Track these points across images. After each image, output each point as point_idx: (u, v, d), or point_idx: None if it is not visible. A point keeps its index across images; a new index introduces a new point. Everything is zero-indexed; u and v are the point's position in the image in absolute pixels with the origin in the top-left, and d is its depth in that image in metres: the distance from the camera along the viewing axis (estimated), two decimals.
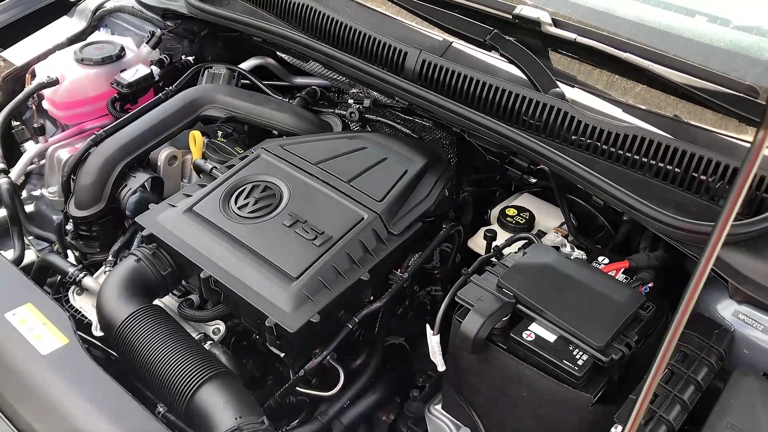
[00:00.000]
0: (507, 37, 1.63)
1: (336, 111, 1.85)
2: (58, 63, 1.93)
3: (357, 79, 1.74)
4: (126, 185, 1.60)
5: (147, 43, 2.01)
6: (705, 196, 1.36)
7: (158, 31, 2.03)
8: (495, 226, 1.60)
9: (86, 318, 1.53)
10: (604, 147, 1.44)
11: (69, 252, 1.72)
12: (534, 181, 1.67)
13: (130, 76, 1.89)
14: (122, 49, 1.96)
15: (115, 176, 1.59)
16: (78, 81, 1.88)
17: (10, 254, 1.67)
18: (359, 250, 1.37)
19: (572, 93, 1.56)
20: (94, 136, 1.66)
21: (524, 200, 1.69)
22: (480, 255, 1.55)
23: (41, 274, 1.65)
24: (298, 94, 1.88)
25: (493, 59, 1.68)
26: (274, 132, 1.72)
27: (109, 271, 1.56)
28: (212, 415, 1.16)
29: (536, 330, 1.22)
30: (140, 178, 1.61)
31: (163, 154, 1.71)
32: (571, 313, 1.20)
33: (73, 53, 1.93)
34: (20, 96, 1.83)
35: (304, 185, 1.48)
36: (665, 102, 1.53)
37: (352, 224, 1.39)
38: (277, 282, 1.30)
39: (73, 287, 1.56)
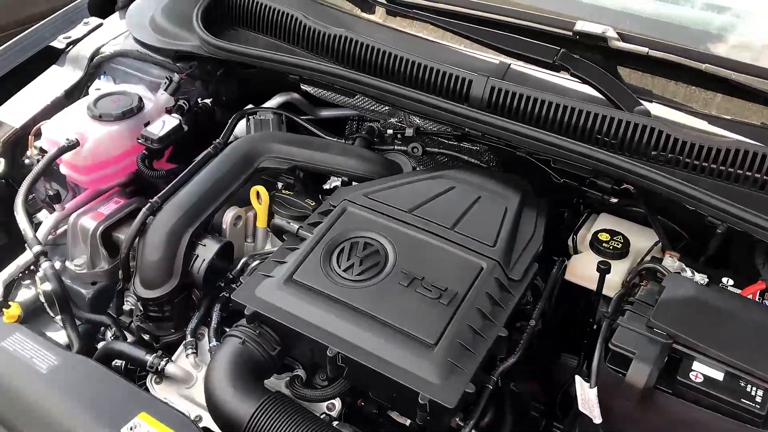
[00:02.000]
0: (575, 56, 1.57)
1: (396, 147, 1.75)
2: (72, 122, 1.73)
3: (416, 111, 1.65)
4: (197, 256, 1.45)
5: (165, 89, 1.84)
6: None
7: (175, 76, 1.86)
8: (588, 254, 1.54)
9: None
10: (705, 164, 1.41)
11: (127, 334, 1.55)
12: (615, 200, 1.62)
13: (158, 129, 1.72)
14: (140, 99, 1.78)
15: (184, 248, 1.44)
16: (101, 140, 1.70)
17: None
18: (488, 303, 1.28)
19: (652, 109, 1.52)
20: (149, 204, 1.49)
21: (604, 222, 1.64)
22: (579, 286, 1.49)
23: (104, 364, 1.47)
24: (357, 135, 1.76)
25: (559, 79, 1.63)
26: (342, 179, 1.60)
27: (192, 353, 1.41)
28: None
29: (701, 369, 1.17)
30: (211, 247, 1.46)
31: (228, 216, 1.56)
32: (734, 347, 1.16)
33: (87, 109, 1.74)
34: (42, 165, 1.63)
35: (406, 237, 1.37)
36: (749, 110, 1.51)
37: (473, 275, 1.30)
38: (416, 351, 1.20)
39: (151, 376, 1.40)
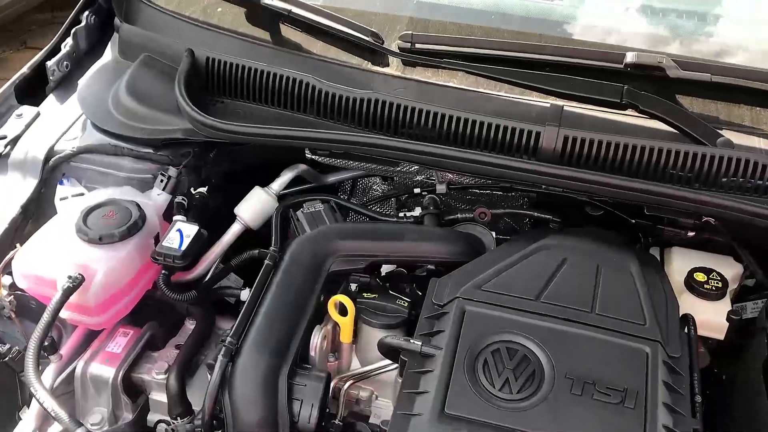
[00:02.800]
0: (642, 92, 1.47)
1: (459, 216, 1.55)
2: (62, 251, 1.39)
3: (473, 172, 1.47)
4: (301, 401, 1.19)
5: (163, 188, 1.53)
6: None
7: (171, 170, 1.55)
8: (688, 296, 1.45)
9: None
10: None
11: None
12: (692, 234, 1.54)
13: (176, 242, 1.41)
14: (139, 207, 1.46)
15: (285, 394, 1.18)
16: (112, 270, 1.37)
17: None
18: (668, 394, 1.14)
19: (728, 137, 1.45)
20: (224, 349, 1.20)
21: (679, 257, 1.56)
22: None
23: None
24: (424, 212, 1.54)
25: (619, 116, 1.52)
26: (429, 266, 1.39)
27: None
28: None
29: None
30: (315, 387, 1.20)
31: (316, 340, 1.30)
32: None
33: (78, 232, 1.40)
34: (48, 319, 1.27)
35: (550, 333, 1.20)
36: None
37: (642, 365, 1.16)
38: None
39: None
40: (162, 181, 1.54)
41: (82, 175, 1.62)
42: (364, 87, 1.56)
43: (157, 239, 1.46)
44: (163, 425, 1.34)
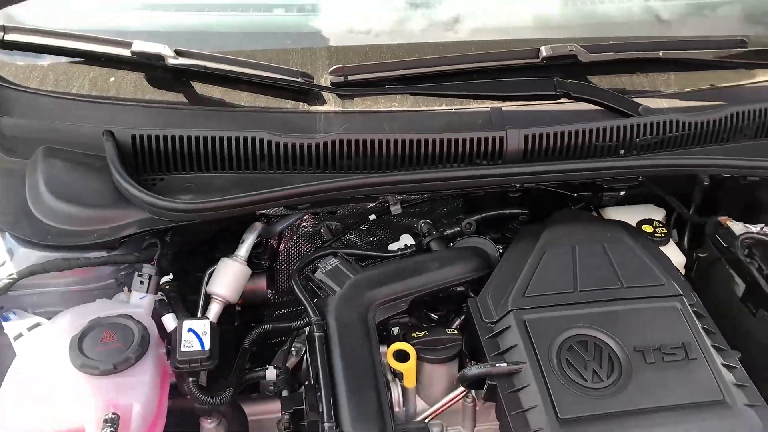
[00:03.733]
0: (568, 81, 1.62)
1: (447, 232, 1.59)
2: (75, 394, 1.20)
3: (448, 188, 1.53)
4: None
5: (147, 291, 1.37)
6: None
7: (149, 268, 1.39)
8: None
9: None
10: (711, 134, 1.62)
11: None
12: (623, 193, 1.75)
13: (196, 344, 1.29)
14: (135, 321, 1.30)
15: None
16: (144, 396, 1.22)
17: None
18: (706, 337, 1.32)
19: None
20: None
21: (614, 214, 1.76)
22: None
23: None
24: (428, 239, 1.54)
25: (551, 106, 1.66)
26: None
27: None
28: None
29: None
30: None
31: (396, 396, 1.27)
32: None
33: (81, 370, 1.21)
34: None
35: (601, 316, 1.32)
36: (698, 79, 1.75)
37: (680, 319, 1.33)
38: (721, 416, 1.20)
39: None
40: (142, 282, 1.37)
41: (26, 303, 1.40)
42: (310, 130, 1.53)
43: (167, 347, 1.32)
44: None
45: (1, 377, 1.25)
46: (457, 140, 1.50)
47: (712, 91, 1.73)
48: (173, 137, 1.46)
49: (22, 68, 1.60)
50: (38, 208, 1.40)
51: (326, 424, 1.16)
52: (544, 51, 1.62)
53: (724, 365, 1.27)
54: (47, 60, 1.61)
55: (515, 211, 1.65)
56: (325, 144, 1.48)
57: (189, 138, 1.46)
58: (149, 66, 1.55)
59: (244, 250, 1.54)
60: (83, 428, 1.18)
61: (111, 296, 1.41)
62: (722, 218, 1.65)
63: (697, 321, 1.33)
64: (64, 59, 1.60)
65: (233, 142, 1.47)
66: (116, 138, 1.46)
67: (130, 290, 1.42)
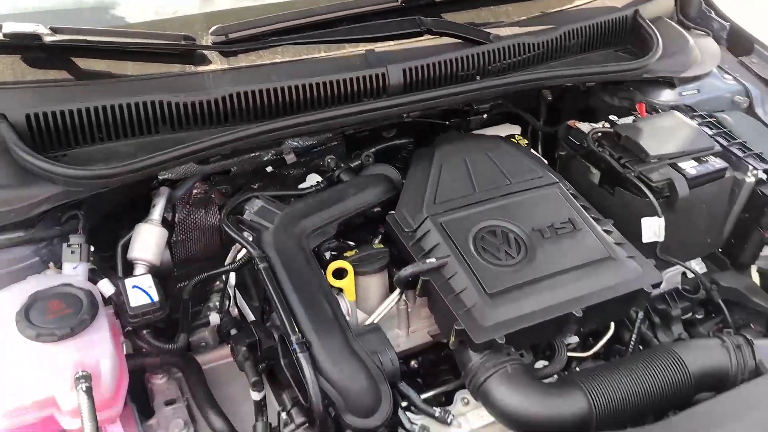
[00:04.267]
0: (427, 18, 1.81)
1: (351, 166, 1.71)
2: (37, 365, 1.21)
3: (340, 125, 1.67)
4: (375, 352, 1.32)
5: (79, 259, 1.39)
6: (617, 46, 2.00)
7: (77, 238, 1.40)
8: None
9: None
10: (554, 51, 1.89)
11: None
12: (486, 115, 1.99)
13: (144, 297, 1.35)
14: (79, 287, 1.32)
15: (364, 354, 1.30)
16: (109, 353, 1.25)
17: None
18: (585, 209, 1.58)
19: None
20: (297, 345, 1.24)
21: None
22: None
23: None
24: (338, 171, 1.65)
25: (414, 44, 1.83)
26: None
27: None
28: None
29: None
30: (377, 337, 1.36)
31: (345, 307, 1.39)
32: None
33: (38, 339, 1.22)
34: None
35: (502, 209, 1.53)
36: (531, 7, 2.01)
37: (562, 200, 1.57)
38: (612, 268, 1.45)
39: None
40: (73, 252, 1.38)
41: None
42: (201, 90, 1.59)
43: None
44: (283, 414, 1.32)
45: None
46: (345, 80, 1.64)
47: (543, 16, 2.00)
48: (70, 111, 1.47)
49: None
50: None
51: (293, 338, 1.26)
52: None
53: (604, 230, 1.53)
54: None
55: (403, 140, 1.82)
56: (223, 98, 1.56)
57: (87, 110, 1.48)
58: (26, 47, 1.53)
59: (157, 213, 1.58)
60: (53, 397, 1.19)
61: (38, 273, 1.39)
62: (570, 122, 1.92)
63: (575, 200, 1.58)
64: None
65: (132, 108, 1.50)
66: (9, 121, 1.44)
67: (56, 265, 1.42)
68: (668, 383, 1.33)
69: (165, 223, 1.60)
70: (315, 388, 1.22)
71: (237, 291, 1.59)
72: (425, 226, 1.48)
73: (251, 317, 1.53)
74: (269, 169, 1.80)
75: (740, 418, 1.25)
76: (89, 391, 1.17)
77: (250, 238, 1.46)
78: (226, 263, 1.56)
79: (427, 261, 1.40)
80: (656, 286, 1.44)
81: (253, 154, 1.76)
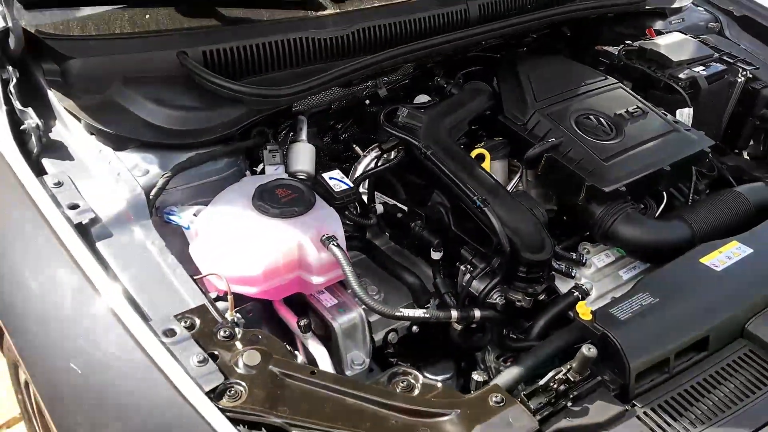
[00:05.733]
0: None
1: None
2: (293, 234, 1.49)
3: (440, 52, 1.99)
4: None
5: (279, 162, 1.67)
6: None
7: (273, 145, 1.68)
8: None
9: None
10: None
11: None
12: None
13: (340, 185, 1.64)
14: (293, 180, 1.60)
15: None
16: (339, 230, 1.55)
17: None
18: (646, 103, 2.02)
19: None
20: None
21: None
22: None
23: None
24: (449, 87, 1.99)
25: None
26: None
27: None
28: None
29: None
30: None
31: None
32: None
33: (289, 217, 1.50)
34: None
35: (589, 102, 1.94)
36: None
37: (629, 96, 2.01)
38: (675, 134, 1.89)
39: None
40: (274, 156, 1.66)
41: (173, 201, 1.60)
42: (323, 27, 1.89)
43: None
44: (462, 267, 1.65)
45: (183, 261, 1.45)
46: (437, 14, 1.98)
47: None
48: (238, 47, 1.73)
49: (57, 25, 1.72)
50: (158, 119, 1.60)
51: (475, 197, 1.60)
52: None
53: (662, 113, 1.97)
54: (78, 12, 1.75)
55: (476, 67, 2.19)
56: (356, 32, 1.86)
57: (247, 47, 1.74)
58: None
59: (303, 134, 1.86)
60: (298, 259, 1.46)
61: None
62: (597, 47, 2.36)
63: (636, 95, 2.01)
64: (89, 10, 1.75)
65: (282, 43, 1.78)
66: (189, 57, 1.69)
67: (251, 171, 1.69)
68: (737, 212, 1.78)
69: None
70: (502, 231, 1.56)
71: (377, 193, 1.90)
72: (534, 118, 1.86)
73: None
74: (367, 102, 2.11)
75: None
76: (339, 246, 1.46)
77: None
78: (357, 172, 1.86)
79: (549, 140, 1.78)
80: (711, 147, 1.89)
81: (351, 91, 2.07)
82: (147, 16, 1.78)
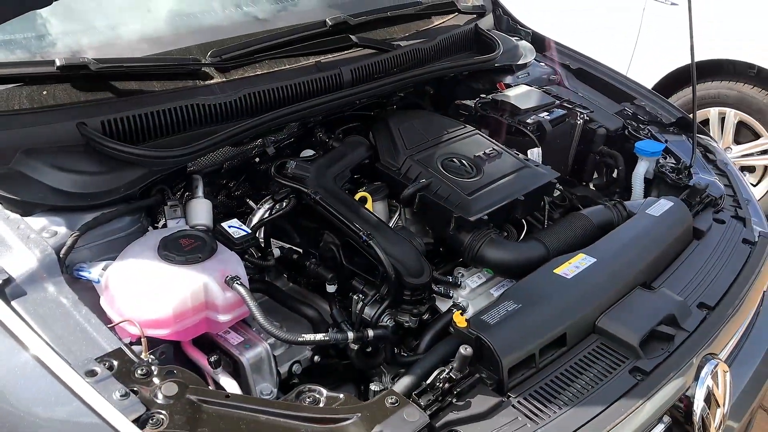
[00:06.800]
0: (353, 37, 2.46)
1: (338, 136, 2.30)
2: (198, 278, 1.64)
3: (320, 112, 2.25)
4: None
5: (179, 216, 1.82)
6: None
7: (173, 201, 1.83)
8: None
9: None
10: (437, 53, 2.65)
11: None
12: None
13: (239, 231, 1.82)
14: (195, 230, 1.76)
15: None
16: (242, 273, 1.72)
17: None
18: (504, 146, 2.34)
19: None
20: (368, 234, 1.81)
21: None
22: None
23: None
24: (331, 141, 2.20)
25: (348, 55, 2.46)
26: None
27: None
28: None
29: None
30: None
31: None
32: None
33: (194, 263, 1.66)
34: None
35: (451, 148, 2.22)
36: (410, 27, 2.75)
37: (485, 140, 2.31)
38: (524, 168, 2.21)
39: None
40: (175, 210, 1.82)
41: (85, 257, 1.72)
42: (211, 94, 2.10)
43: None
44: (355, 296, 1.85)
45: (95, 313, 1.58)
46: (313, 79, 2.23)
47: (419, 33, 2.75)
48: (134, 115, 1.90)
49: None
50: (63, 185, 1.73)
51: (362, 233, 1.81)
52: (330, 21, 2.44)
53: (515, 153, 2.28)
54: None
55: (353, 124, 2.45)
56: (242, 97, 2.08)
57: (140, 115, 1.91)
58: (76, 76, 1.93)
59: (200, 191, 2.03)
60: (205, 302, 1.62)
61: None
62: (456, 102, 2.69)
63: (491, 139, 2.33)
64: None
65: (173, 111, 1.96)
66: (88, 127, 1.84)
67: (153, 227, 1.84)
68: (583, 230, 2.09)
69: None
70: (387, 261, 1.78)
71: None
72: (407, 163, 2.13)
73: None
74: (257, 160, 2.31)
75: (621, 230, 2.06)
76: (242, 284, 1.63)
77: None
78: (254, 221, 2.05)
79: (420, 181, 2.05)
80: (557, 179, 2.22)
81: (241, 150, 2.27)
82: (44, 93, 1.91)
